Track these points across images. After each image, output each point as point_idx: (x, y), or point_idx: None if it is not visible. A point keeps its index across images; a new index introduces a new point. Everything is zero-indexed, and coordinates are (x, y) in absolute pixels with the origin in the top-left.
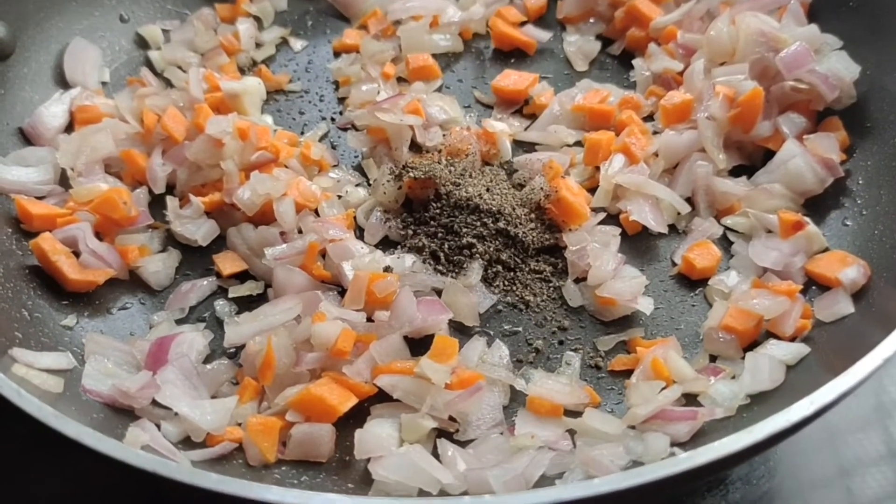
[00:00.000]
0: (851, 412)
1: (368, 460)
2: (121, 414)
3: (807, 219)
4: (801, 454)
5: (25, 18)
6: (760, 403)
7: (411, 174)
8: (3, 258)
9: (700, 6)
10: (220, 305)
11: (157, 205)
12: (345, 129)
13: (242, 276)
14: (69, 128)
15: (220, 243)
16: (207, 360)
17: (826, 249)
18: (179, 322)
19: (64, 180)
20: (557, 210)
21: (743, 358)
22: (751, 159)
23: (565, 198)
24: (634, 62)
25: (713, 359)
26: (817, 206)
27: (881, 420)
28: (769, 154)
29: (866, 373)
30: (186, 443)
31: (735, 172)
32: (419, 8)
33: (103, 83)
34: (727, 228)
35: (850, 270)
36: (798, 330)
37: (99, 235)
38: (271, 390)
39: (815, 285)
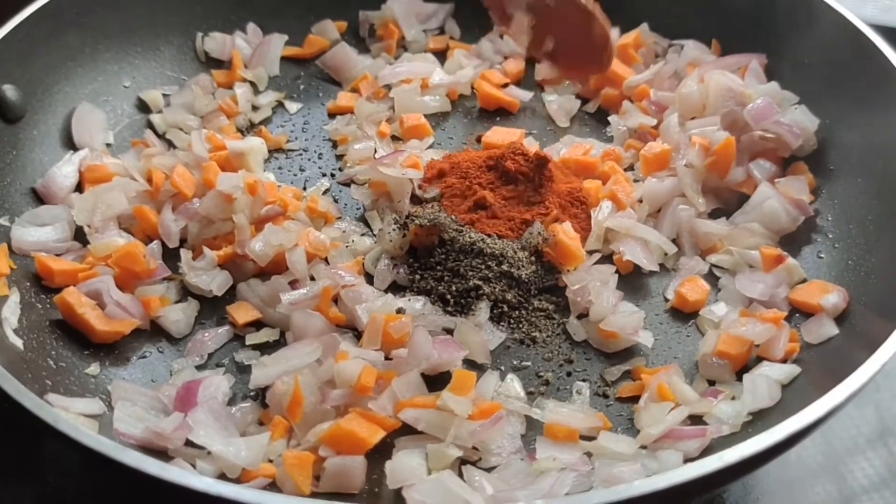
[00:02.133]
0: (853, 432)
1: (399, 489)
2: (155, 455)
3: (786, 253)
4: (800, 478)
5: (34, 83)
6: (762, 419)
7: (417, 222)
8: (25, 310)
9: (668, 67)
10: (242, 354)
11: (167, 257)
12: (346, 185)
13: (257, 324)
14: (78, 187)
15: (233, 292)
16: (229, 403)
17: (804, 280)
18: (199, 368)
19: (78, 236)
20: (555, 253)
21: (739, 380)
22: (726, 203)
23: (563, 241)
24: (610, 119)
25: (711, 383)
26: (792, 242)
27: (883, 440)
28: (742, 198)
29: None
30: (221, 480)
31: (713, 215)
32: (408, 73)
33: (108, 145)
34: (713, 265)
35: (830, 297)
36: (787, 353)
37: (119, 288)
38: (299, 428)
39: (798, 313)
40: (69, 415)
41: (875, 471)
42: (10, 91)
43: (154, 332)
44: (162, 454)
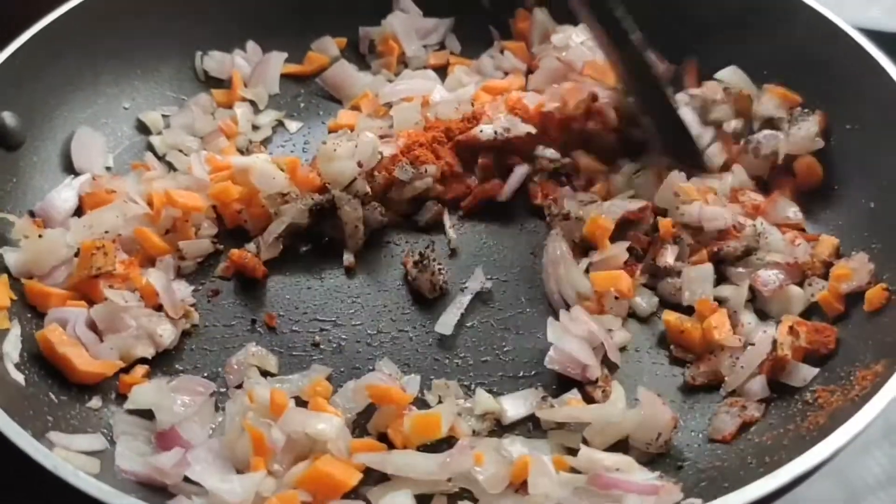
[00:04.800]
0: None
1: None
2: (156, 492)
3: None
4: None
5: (33, 109)
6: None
7: None
8: (26, 342)
9: None
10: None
11: None
12: None
13: None
14: (78, 212)
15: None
16: None
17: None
18: None
19: None
20: None
21: None
22: None
23: None
24: None
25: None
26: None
27: (889, 439)
28: None
29: None
30: None
31: None
32: (408, 90)
33: (108, 168)
34: None
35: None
36: None
37: None
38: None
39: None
40: (70, 454)
41: (882, 469)
42: (9, 118)
43: (157, 358)
44: (164, 491)
